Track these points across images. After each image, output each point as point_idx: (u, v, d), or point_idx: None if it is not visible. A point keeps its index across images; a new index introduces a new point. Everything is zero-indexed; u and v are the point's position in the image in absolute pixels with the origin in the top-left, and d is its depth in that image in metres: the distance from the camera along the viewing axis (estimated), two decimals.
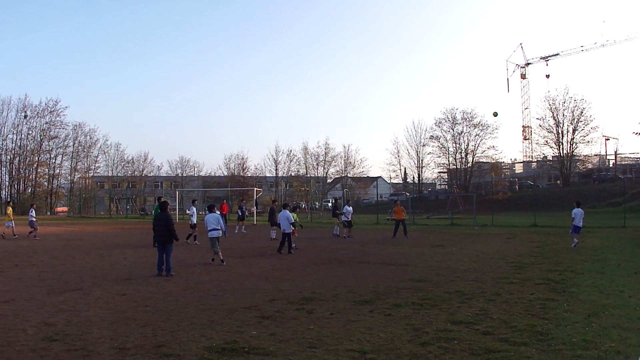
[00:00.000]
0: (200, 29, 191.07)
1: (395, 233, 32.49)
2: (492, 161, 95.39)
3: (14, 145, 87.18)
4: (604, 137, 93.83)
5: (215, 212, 20.47)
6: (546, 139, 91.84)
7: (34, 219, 32.82)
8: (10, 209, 35.39)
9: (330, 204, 76.78)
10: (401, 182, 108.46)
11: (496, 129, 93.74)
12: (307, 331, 9.55)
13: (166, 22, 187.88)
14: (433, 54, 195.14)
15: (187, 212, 31.00)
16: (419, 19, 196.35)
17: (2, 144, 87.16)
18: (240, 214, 41.82)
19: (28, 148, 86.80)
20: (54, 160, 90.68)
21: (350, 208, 34.85)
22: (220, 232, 19.97)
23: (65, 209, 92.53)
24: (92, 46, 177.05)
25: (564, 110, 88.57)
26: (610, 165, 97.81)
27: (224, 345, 8.63)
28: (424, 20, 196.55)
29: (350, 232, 33.72)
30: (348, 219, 33.90)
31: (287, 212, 23.75)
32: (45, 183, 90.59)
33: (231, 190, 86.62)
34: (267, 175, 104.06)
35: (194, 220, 29.83)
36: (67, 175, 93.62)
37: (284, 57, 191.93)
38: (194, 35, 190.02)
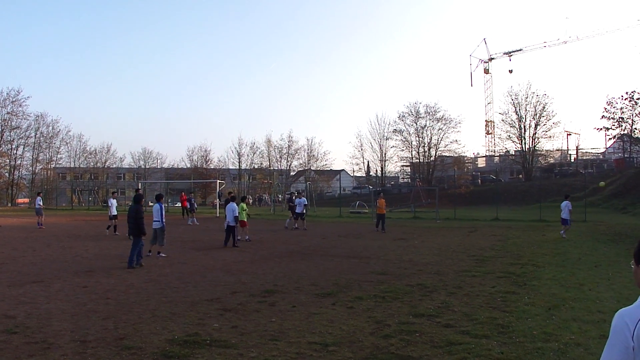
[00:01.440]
0: (162, 19, 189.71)
1: (378, 225, 32.50)
2: (455, 155, 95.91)
3: None
4: (566, 132, 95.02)
5: (160, 203, 20.25)
6: (509, 134, 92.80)
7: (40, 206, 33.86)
8: None
9: (265, 197, 77.25)
10: (364, 175, 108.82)
11: (459, 123, 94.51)
12: (269, 324, 9.56)
13: (129, 11, 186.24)
14: (397, 47, 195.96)
15: (107, 204, 31.32)
16: (383, 11, 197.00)
17: None
18: (189, 206, 42.70)
19: None
20: (15, 151, 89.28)
21: (303, 199, 34.84)
22: (161, 223, 19.64)
23: (26, 200, 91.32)
24: (55, 35, 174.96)
25: (526, 105, 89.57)
26: (572, 160, 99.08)
27: (186, 337, 8.61)
28: (387, 12, 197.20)
29: (304, 225, 33.77)
30: (301, 211, 33.94)
31: (233, 204, 23.68)
32: (7, 174, 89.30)
33: (194, 183, 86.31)
34: (231, 167, 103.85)
35: (114, 211, 30.09)
36: (29, 166, 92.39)
37: (246, 48, 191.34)
38: (156, 26, 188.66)
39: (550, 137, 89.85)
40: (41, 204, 34.82)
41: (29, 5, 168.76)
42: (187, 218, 41.31)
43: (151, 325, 9.42)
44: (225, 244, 23.34)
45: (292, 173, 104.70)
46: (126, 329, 9.12)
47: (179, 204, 48.01)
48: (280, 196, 72.29)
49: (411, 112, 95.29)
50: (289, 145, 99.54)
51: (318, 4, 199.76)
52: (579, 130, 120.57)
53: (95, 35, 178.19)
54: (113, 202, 30.76)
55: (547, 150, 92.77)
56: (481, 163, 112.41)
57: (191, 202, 42.83)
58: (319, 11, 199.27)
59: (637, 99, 73.94)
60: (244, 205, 25.61)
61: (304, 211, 34.21)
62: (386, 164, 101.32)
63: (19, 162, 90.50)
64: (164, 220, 19.67)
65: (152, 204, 32.70)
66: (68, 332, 8.94)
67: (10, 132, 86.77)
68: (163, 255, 19.66)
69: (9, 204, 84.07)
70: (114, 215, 29.86)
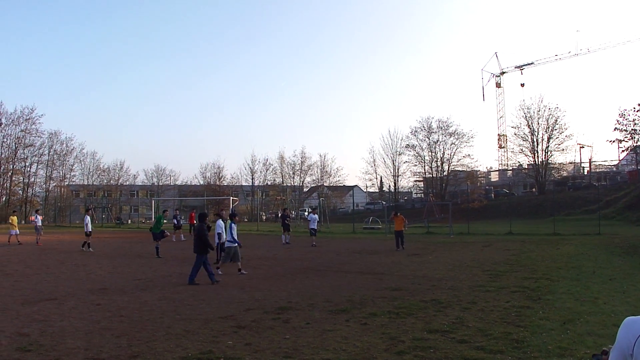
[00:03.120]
0: (177, 40, 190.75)
1: (399, 244, 30.72)
2: (468, 170, 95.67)
3: None
4: (579, 145, 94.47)
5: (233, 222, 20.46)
6: (521, 147, 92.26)
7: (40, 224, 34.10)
8: (14, 217, 35.98)
9: (306, 213, 76.87)
10: (377, 191, 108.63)
11: (472, 137, 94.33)
12: (283, 341, 9.53)
13: (143, 33, 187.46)
14: (409, 62, 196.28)
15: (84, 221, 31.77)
16: (395, 28, 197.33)
17: None
18: (175, 222, 43.06)
19: (2, 156, 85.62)
20: (29, 169, 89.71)
21: (315, 216, 34.73)
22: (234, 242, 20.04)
23: (32, 218, 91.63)
24: (69, 54, 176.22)
25: (538, 118, 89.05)
26: (585, 173, 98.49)
27: (200, 355, 8.59)
28: (400, 29, 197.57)
29: (314, 241, 33.65)
30: (314, 227, 33.86)
31: (220, 222, 23.43)
32: (20, 191, 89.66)
33: (207, 200, 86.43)
34: (244, 184, 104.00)
35: (89, 228, 30.64)
36: (42, 183, 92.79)
37: (261, 66, 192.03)
38: (171, 46, 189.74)
39: (563, 150, 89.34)
40: (39, 222, 35.15)
41: (44, 24, 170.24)
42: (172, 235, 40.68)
43: (165, 343, 9.41)
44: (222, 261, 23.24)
45: (305, 189, 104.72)
46: (140, 347, 9.11)
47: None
48: (293, 212, 72.26)
49: (423, 127, 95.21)
50: (302, 162, 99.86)
51: (331, 25, 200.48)
52: (592, 143, 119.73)
53: (110, 54, 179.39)
54: (88, 219, 31.28)
55: (560, 164, 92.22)
56: (494, 177, 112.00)
57: (177, 219, 43.57)
58: (331, 30, 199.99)
59: None
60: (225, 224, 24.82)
61: (315, 227, 34.14)
62: (399, 180, 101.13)
63: (32, 179, 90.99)
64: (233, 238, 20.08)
65: (165, 220, 32.68)
66: (82, 350, 8.94)
67: (24, 149, 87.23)
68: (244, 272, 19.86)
69: (23, 222, 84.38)
70: (89, 231, 30.48)
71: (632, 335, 2.84)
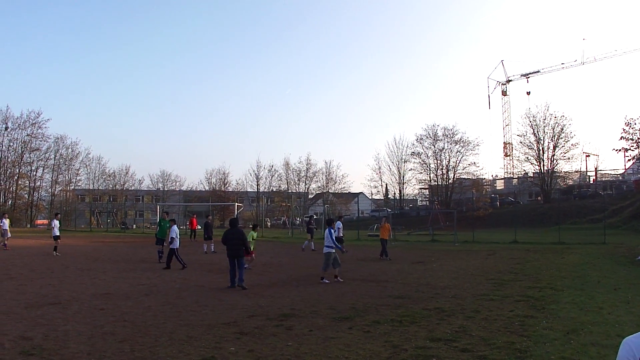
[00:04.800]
0: (182, 46, 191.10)
1: (382, 252, 30.09)
2: (473, 177, 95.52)
3: None
4: (585, 154, 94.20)
5: (330, 228, 20.71)
6: (527, 156, 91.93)
7: (6, 228, 34.02)
8: (8, 220, 36.16)
9: (298, 221, 77.03)
10: (382, 198, 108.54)
11: (477, 145, 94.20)
12: (286, 348, 9.53)
13: (148, 38, 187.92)
14: (415, 70, 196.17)
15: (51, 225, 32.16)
16: (401, 34, 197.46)
17: None
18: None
19: (9, 160, 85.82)
20: (34, 173, 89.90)
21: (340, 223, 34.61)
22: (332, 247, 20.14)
23: (45, 221, 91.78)
24: (75, 59, 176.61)
25: (544, 127, 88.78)
26: (591, 182, 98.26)
27: None
28: (406, 36, 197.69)
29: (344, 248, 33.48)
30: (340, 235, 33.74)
31: (175, 227, 23.53)
32: (26, 195, 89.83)
33: (212, 205, 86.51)
34: (249, 190, 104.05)
35: (56, 232, 31.10)
36: (48, 187, 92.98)
37: (267, 73, 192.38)
38: (177, 51, 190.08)
39: (568, 158, 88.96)
40: (6, 226, 35.33)
41: (51, 29, 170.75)
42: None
43: (168, 348, 9.42)
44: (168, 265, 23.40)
45: (311, 196, 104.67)
46: (143, 352, 9.13)
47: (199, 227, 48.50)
48: (298, 219, 72.27)
49: (429, 134, 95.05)
50: (307, 168, 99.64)
51: (335, 31, 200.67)
52: (598, 152, 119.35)
53: (116, 59, 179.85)
54: (56, 223, 31.71)
55: (565, 172, 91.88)
56: (499, 185, 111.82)
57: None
58: (337, 35, 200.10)
59: None
60: (254, 234, 24.78)
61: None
62: (404, 187, 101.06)
63: (38, 183, 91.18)
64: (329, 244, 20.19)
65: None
66: (85, 354, 8.95)
67: (30, 153, 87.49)
68: (341, 279, 19.81)
69: (28, 225, 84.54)
70: (56, 235, 30.90)
71: (632, 356, 2.84)
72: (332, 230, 20.40)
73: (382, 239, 30.47)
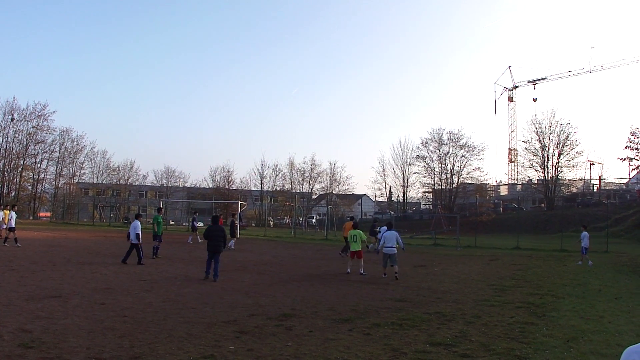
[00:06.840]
0: (191, 42, 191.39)
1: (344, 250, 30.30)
2: (478, 182, 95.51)
3: None
4: (589, 162, 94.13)
5: (393, 231, 22.11)
6: (531, 162, 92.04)
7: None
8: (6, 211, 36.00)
9: (314, 220, 76.89)
10: (386, 200, 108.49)
11: (482, 150, 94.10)
12: (285, 348, 9.51)
13: (158, 33, 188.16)
14: (422, 73, 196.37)
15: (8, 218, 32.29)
16: (408, 38, 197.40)
17: None
18: (194, 224, 44.14)
19: (14, 151, 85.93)
20: (39, 165, 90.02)
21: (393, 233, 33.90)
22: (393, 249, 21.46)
23: (48, 214, 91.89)
24: (83, 52, 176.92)
25: (550, 134, 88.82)
26: (595, 190, 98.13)
27: (201, 359, 8.59)
28: (413, 39, 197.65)
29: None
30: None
31: (137, 222, 23.46)
32: (30, 187, 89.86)
33: (215, 203, 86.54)
34: (253, 189, 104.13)
35: (13, 224, 31.06)
36: (52, 180, 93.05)
37: (273, 72, 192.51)
38: (184, 48, 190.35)
39: (573, 166, 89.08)
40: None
41: (59, 22, 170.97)
42: (189, 236, 41.92)
43: (167, 345, 9.41)
44: (124, 260, 23.22)
45: (314, 196, 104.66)
46: (142, 348, 9.11)
47: (201, 223, 48.56)
48: (301, 219, 72.20)
49: (434, 138, 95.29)
50: (311, 169, 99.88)
51: (342, 32, 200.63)
52: (603, 160, 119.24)
53: (123, 53, 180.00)
54: (13, 215, 31.68)
55: (569, 180, 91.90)
56: (503, 191, 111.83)
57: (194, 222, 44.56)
58: (345, 37, 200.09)
59: None
60: (362, 233, 23.45)
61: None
62: (408, 190, 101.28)
63: (42, 176, 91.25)
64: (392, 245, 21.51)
65: (173, 222, 32.74)
66: (84, 349, 8.94)
67: (34, 145, 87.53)
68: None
69: (31, 217, 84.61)
70: (12, 227, 30.89)
71: None
72: (395, 232, 21.86)
73: (345, 237, 30.58)
